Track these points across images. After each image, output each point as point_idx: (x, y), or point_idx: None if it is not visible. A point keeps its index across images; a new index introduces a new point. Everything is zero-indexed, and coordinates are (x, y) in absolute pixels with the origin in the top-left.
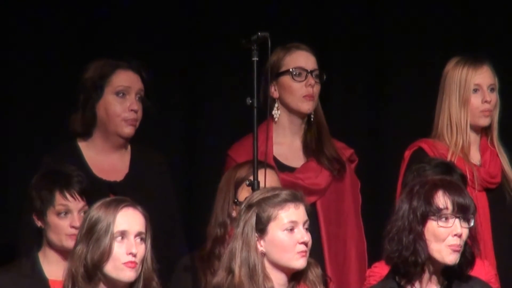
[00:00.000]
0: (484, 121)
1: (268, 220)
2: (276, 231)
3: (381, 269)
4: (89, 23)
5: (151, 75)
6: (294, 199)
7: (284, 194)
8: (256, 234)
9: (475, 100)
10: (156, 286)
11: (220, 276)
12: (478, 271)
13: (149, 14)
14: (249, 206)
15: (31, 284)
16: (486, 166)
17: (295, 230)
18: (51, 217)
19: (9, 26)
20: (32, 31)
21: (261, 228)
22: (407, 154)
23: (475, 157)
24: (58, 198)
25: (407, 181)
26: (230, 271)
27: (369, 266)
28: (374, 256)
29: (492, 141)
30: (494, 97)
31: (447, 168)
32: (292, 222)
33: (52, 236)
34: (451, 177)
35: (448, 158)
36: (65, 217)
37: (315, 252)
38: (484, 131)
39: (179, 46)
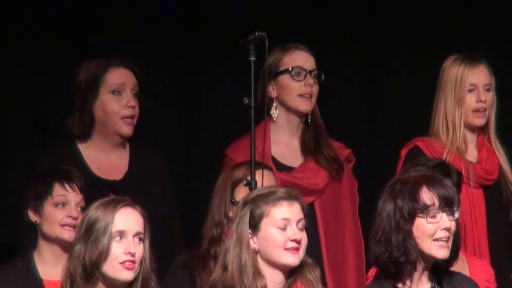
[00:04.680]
0: (478, 121)
1: (261, 216)
2: (268, 227)
3: None
4: (88, 22)
5: (147, 73)
6: (289, 197)
7: (280, 192)
8: (249, 231)
9: (470, 100)
10: (155, 286)
11: (216, 273)
12: (477, 270)
13: (147, 14)
14: (245, 203)
15: (26, 284)
16: (483, 163)
17: (288, 227)
18: (48, 208)
19: (8, 26)
20: (32, 31)
21: (254, 224)
22: (404, 152)
23: (472, 154)
24: (57, 189)
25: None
26: (225, 267)
27: (367, 265)
28: None
29: (489, 139)
30: (489, 97)
31: (445, 168)
32: (285, 219)
33: (47, 227)
34: (450, 177)
35: (444, 156)
36: (62, 209)
37: (313, 252)
38: (481, 129)
39: (177, 45)
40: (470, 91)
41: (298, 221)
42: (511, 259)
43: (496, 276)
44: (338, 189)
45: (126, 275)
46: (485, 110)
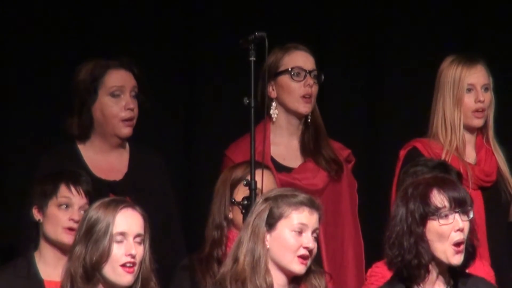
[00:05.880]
0: (477, 122)
1: (280, 216)
2: (284, 229)
3: (382, 269)
4: (88, 22)
5: (147, 73)
6: (311, 204)
7: (302, 196)
8: (265, 228)
9: (469, 100)
10: (154, 286)
11: (226, 265)
12: (478, 271)
13: (147, 14)
14: (266, 200)
15: (26, 285)
16: (481, 164)
17: (303, 234)
18: (52, 208)
19: (9, 27)
20: (32, 31)
21: (271, 222)
22: (402, 153)
23: (470, 155)
24: (63, 190)
25: (404, 184)
26: (236, 259)
27: (367, 266)
28: (371, 256)
29: (487, 140)
30: (488, 97)
31: (444, 168)
32: (302, 224)
33: (49, 228)
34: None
35: (443, 157)
36: (65, 210)
37: None
38: (479, 130)
39: (177, 45)
40: (468, 91)
41: (314, 231)
42: (510, 260)
43: (496, 277)
44: (338, 189)
45: (126, 280)
46: (483, 110)
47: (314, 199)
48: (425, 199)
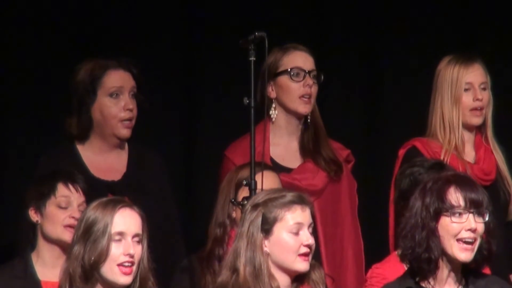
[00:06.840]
0: (475, 121)
1: (274, 220)
2: (282, 232)
3: (382, 270)
4: (88, 22)
5: (147, 73)
6: (301, 201)
7: (291, 195)
8: (261, 234)
9: (467, 99)
10: (152, 286)
11: (224, 275)
12: None
13: (147, 14)
14: (255, 206)
15: (24, 286)
16: (480, 163)
17: (300, 232)
18: (51, 208)
19: (9, 26)
20: (32, 31)
21: (267, 228)
22: (401, 152)
23: (469, 154)
24: (61, 189)
25: (401, 185)
26: (234, 270)
27: (366, 266)
28: (371, 256)
29: (486, 139)
30: (486, 95)
31: (441, 168)
32: (298, 223)
33: (48, 228)
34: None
35: (442, 156)
36: (65, 209)
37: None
38: (478, 129)
39: (177, 45)
40: (466, 90)
41: (309, 226)
42: (509, 260)
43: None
44: (337, 190)
45: (124, 280)
46: (482, 108)
47: (303, 195)
48: (441, 195)
